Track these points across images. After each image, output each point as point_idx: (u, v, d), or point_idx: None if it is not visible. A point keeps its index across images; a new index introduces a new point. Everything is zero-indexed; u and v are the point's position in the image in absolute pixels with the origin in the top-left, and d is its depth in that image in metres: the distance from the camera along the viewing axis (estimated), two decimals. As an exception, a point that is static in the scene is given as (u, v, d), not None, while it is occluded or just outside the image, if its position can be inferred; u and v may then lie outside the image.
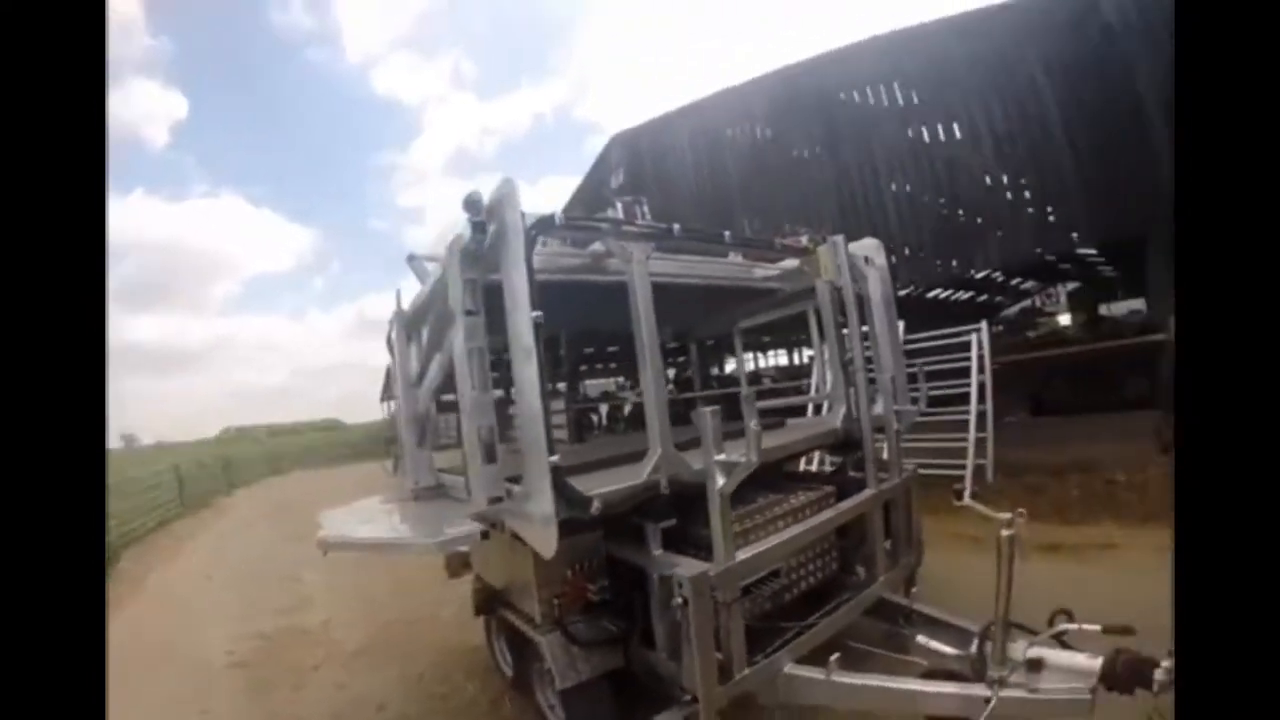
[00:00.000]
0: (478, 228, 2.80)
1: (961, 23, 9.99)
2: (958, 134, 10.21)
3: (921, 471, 4.93)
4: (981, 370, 8.12)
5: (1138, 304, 19.36)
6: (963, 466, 7.58)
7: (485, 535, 3.22)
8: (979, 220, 10.22)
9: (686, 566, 2.95)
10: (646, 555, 3.19)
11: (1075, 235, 9.71)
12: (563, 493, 2.75)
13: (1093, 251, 15.94)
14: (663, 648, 3.10)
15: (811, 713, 3.34)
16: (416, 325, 4.39)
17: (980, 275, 15.88)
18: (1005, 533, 2.70)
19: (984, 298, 25.62)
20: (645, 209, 3.75)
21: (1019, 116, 9.48)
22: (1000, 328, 33.02)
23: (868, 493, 3.94)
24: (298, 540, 10.57)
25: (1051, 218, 9.55)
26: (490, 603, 4.25)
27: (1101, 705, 2.59)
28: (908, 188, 10.88)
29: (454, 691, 4.64)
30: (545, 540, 2.70)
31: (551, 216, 2.99)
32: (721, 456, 2.86)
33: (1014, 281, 24.11)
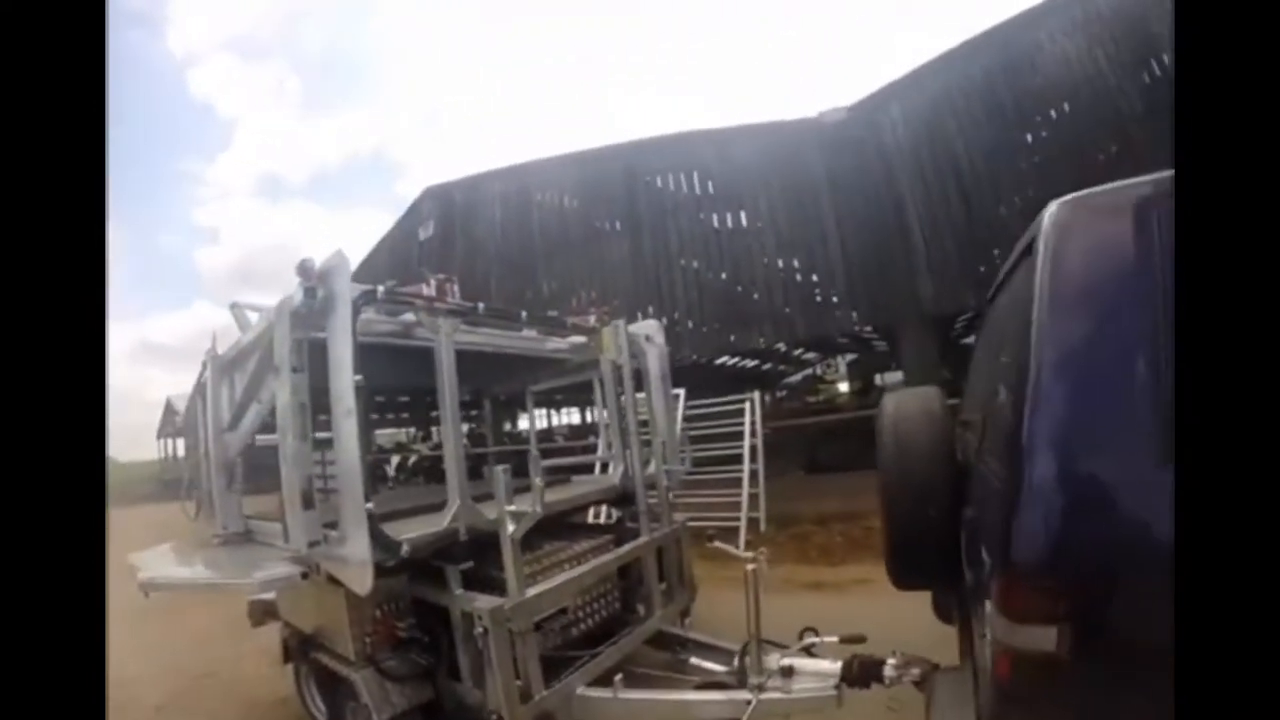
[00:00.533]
0: (309, 292, 3.09)
1: (755, 130, 11.31)
2: (746, 223, 11.40)
3: (702, 524, 5.61)
4: (754, 434, 9.08)
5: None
6: (738, 519, 8.41)
7: (305, 576, 3.40)
8: (769, 299, 11.30)
9: (484, 602, 3.31)
10: (449, 595, 3.52)
11: (855, 315, 10.84)
12: (376, 537, 3.06)
13: (869, 329, 17.94)
14: (467, 678, 3.46)
15: None
16: (232, 370, 4.44)
17: (765, 346, 17.40)
18: (750, 568, 3.33)
19: (768, 365, 27.59)
20: (456, 288, 4.13)
21: (801, 211, 10.79)
22: (784, 393, 35.60)
23: (642, 540, 4.45)
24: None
25: (835, 299, 10.73)
26: (300, 648, 4.34)
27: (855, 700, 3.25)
28: (696, 265, 11.89)
29: None
30: (361, 580, 3.00)
31: (375, 290, 3.33)
32: (512, 508, 3.28)
33: (796, 351, 26.23)
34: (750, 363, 24.48)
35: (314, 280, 3.08)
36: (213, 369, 4.55)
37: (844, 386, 29.63)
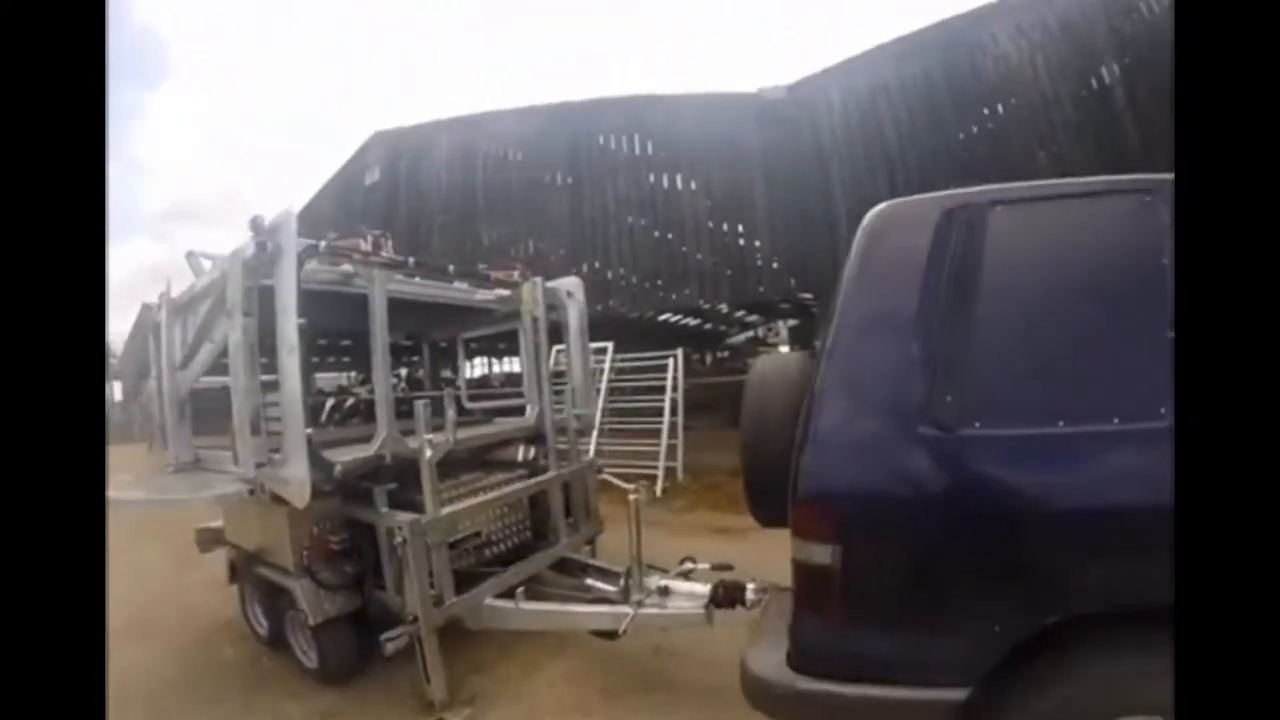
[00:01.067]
0: (260, 246, 3.53)
1: (697, 99, 11.72)
2: (684, 187, 11.86)
3: (624, 471, 6.20)
4: (675, 389, 9.71)
5: None
6: (657, 468, 9.04)
7: (251, 493, 3.89)
8: (708, 259, 11.78)
9: (404, 517, 3.87)
10: (375, 513, 4.07)
11: (793, 281, 11.35)
12: (314, 459, 3.59)
13: (809, 295, 18.53)
14: (391, 587, 4.04)
15: (513, 636, 4.43)
16: (185, 313, 4.80)
17: (708, 305, 17.86)
18: (632, 498, 3.95)
19: (709, 325, 28.15)
20: (390, 243, 4.53)
21: (735, 180, 11.27)
22: (727, 354, 36.28)
23: (548, 475, 5.03)
24: None
25: (775, 265, 11.23)
26: (245, 567, 4.92)
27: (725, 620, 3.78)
28: (637, 222, 12.31)
29: (215, 658, 5.10)
30: (300, 495, 3.52)
31: (317, 245, 3.81)
32: (430, 437, 3.85)
33: (739, 313, 26.81)
34: (691, 321, 24.97)
35: (264, 235, 3.53)
36: (166, 311, 4.89)
37: (785, 350, 30.43)
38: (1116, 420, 2.07)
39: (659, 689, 4.02)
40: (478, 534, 4.50)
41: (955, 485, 2.21)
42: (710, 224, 11.69)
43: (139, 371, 34.09)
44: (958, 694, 2.16)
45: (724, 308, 22.21)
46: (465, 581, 4.13)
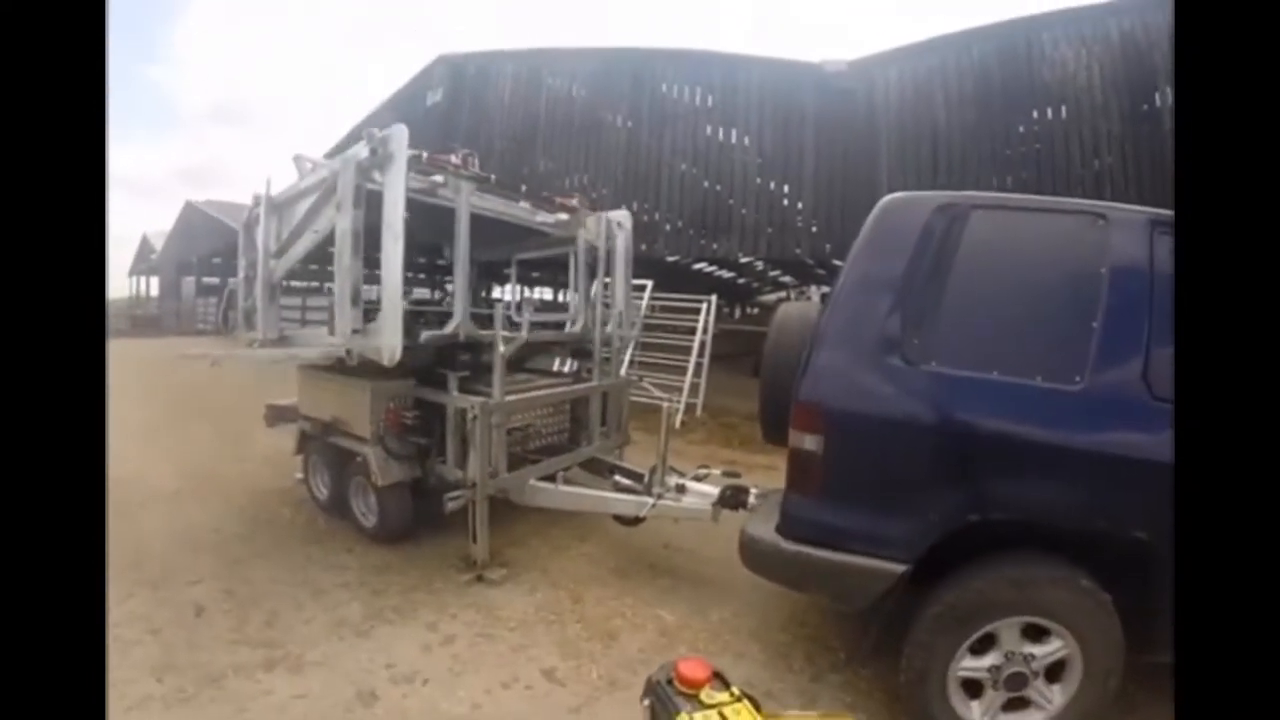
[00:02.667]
0: (373, 151, 4.25)
1: (760, 61, 12.21)
2: (745, 143, 12.32)
3: (650, 401, 6.95)
4: (705, 331, 10.50)
5: None
6: (679, 401, 9.84)
7: (348, 352, 4.51)
8: (753, 214, 12.29)
9: (475, 399, 4.63)
10: (446, 395, 4.89)
11: (828, 246, 11.77)
12: (405, 327, 4.33)
13: (842, 262, 18.92)
14: (452, 460, 4.86)
15: (545, 521, 5.32)
16: (283, 209, 5.43)
17: (745, 259, 18.35)
18: (665, 406, 4.76)
19: (744, 280, 28.68)
20: (476, 161, 5.13)
21: (786, 142, 11.76)
22: (756, 310, 36.88)
23: (591, 383, 5.84)
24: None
25: (814, 228, 11.74)
26: (319, 436, 5.68)
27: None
28: (694, 171, 12.79)
29: (275, 517, 5.86)
30: (390, 356, 4.25)
31: (420, 154, 4.53)
32: (505, 332, 4.64)
33: (773, 272, 27.28)
34: (726, 273, 25.53)
35: (376, 143, 4.25)
36: (265, 208, 5.47)
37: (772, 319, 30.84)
38: (1039, 379, 2.88)
39: (665, 575, 4.82)
40: (527, 426, 5.30)
41: (912, 405, 3.01)
42: (759, 180, 12.17)
43: (178, 268, 35.26)
44: (899, 567, 2.96)
45: (760, 264, 22.80)
46: (515, 463, 4.94)
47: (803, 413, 3.10)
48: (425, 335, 4.61)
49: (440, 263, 7.52)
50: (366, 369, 4.67)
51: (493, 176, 5.27)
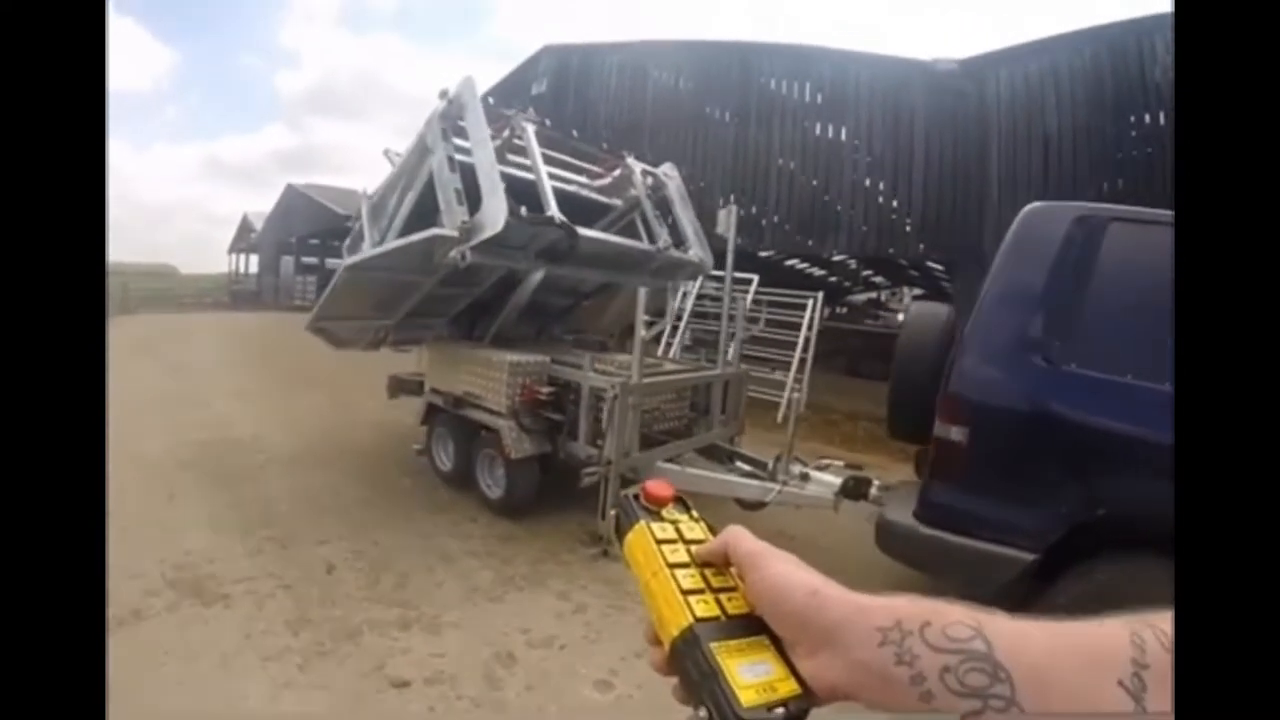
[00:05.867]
0: (450, 102, 5.02)
1: (869, 58, 12.36)
2: (844, 139, 12.53)
3: (756, 396, 7.29)
4: (810, 328, 10.74)
5: None
6: (781, 396, 10.08)
7: (462, 257, 4.81)
8: (850, 212, 12.50)
9: (615, 379, 5.01)
10: (582, 373, 5.29)
11: (922, 246, 12.03)
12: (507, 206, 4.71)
13: (938, 266, 18.85)
14: (583, 438, 5.23)
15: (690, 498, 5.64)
16: (388, 194, 5.99)
17: (836, 258, 18.41)
18: (795, 396, 5.07)
19: (835, 278, 28.56)
20: (548, 122, 5.70)
21: (895, 141, 11.89)
22: (845, 310, 36.78)
23: (715, 371, 6.22)
24: (181, 372, 12.00)
25: (908, 228, 11.97)
26: (437, 413, 6.25)
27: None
28: (792, 165, 13.02)
29: (395, 485, 6.28)
30: (495, 223, 4.61)
31: (488, 98, 5.25)
32: (645, 317, 5.03)
33: (866, 273, 27.13)
34: (819, 272, 25.53)
35: (453, 95, 5.01)
36: (365, 209, 6.14)
37: (903, 318, 30.53)
38: (1167, 385, 3.10)
39: None
40: (654, 409, 5.64)
41: (1051, 403, 3.30)
42: (859, 178, 12.39)
43: (278, 247, 37.21)
44: (1029, 556, 3.24)
45: (853, 263, 22.77)
46: (643, 443, 5.26)
47: (951, 405, 3.40)
48: (525, 211, 4.90)
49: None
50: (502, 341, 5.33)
51: (547, 120, 5.75)
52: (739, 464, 5.65)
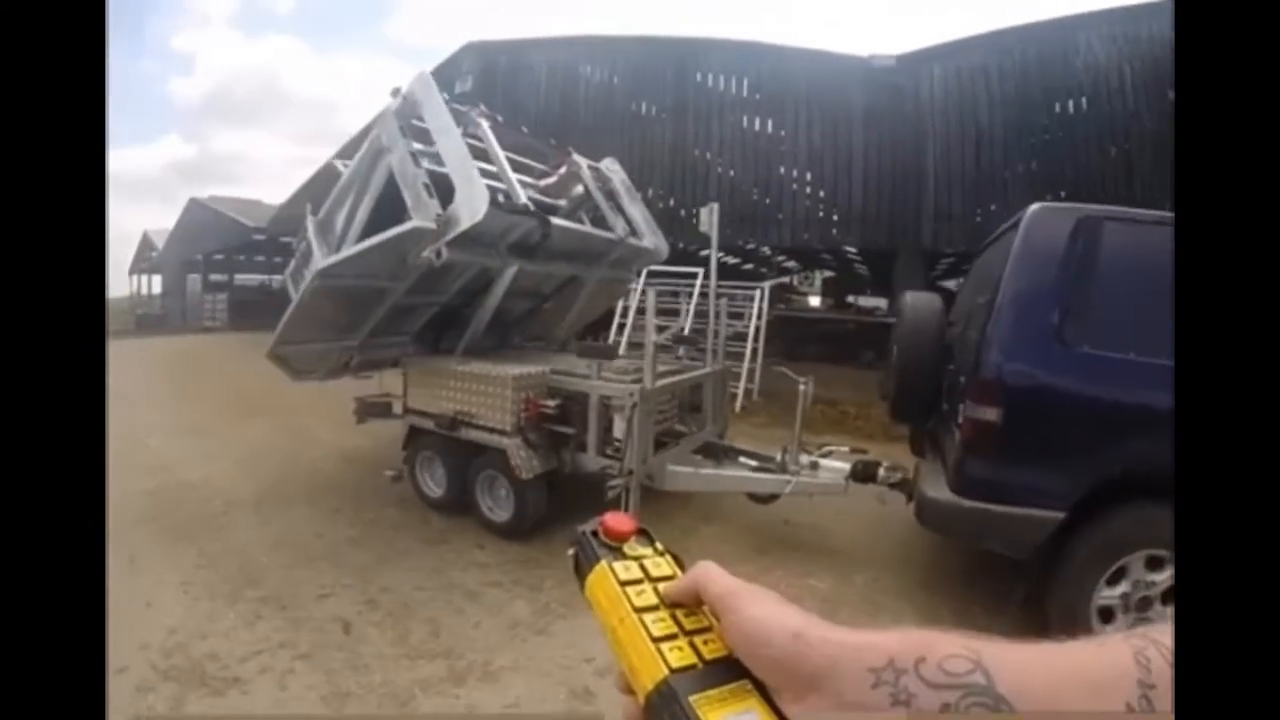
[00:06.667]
0: (405, 99, 5.22)
1: (804, 55, 12.76)
2: (773, 132, 13.09)
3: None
4: (760, 318, 11.18)
5: (880, 302, 24.90)
6: (736, 387, 10.42)
7: (438, 255, 4.88)
8: (776, 204, 13.13)
9: (630, 385, 5.06)
10: (590, 382, 5.27)
11: (835, 231, 12.95)
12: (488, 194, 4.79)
13: (853, 251, 19.70)
14: (592, 449, 5.22)
15: (669, 506, 5.65)
16: (334, 210, 5.99)
17: (750, 246, 18.97)
18: (801, 388, 5.29)
19: (749, 265, 29.11)
20: (500, 118, 5.75)
21: (834, 140, 12.53)
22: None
23: (709, 369, 6.36)
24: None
25: (835, 217, 12.72)
26: (420, 437, 5.99)
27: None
28: (731, 163, 13.62)
29: (380, 518, 5.84)
30: (473, 213, 4.67)
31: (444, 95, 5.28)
32: (656, 321, 5.15)
33: (778, 258, 27.81)
34: (732, 260, 25.96)
35: (407, 90, 5.19)
36: (313, 226, 6.07)
37: (814, 301, 31.47)
38: (1165, 358, 3.43)
39: (798, 549, 5.34)
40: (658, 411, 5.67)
41: (1070, 380, 3.77)
42: (809, 175, 12.96)
43: (183, 266, 35.31)
44: (1059, 514, 3.66)
45: (766, 250, 23.37)
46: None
47: (985, 389, 3.78)
48: (500, 198, 5.03)
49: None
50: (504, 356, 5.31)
51: (499, 117, 5.88)
52: (742, 459, 5.82)
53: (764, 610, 0.53)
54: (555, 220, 5.42)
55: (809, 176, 12.76)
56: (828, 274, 32.02)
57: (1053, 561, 3.77)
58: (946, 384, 4.66)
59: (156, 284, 39.02)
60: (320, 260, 5.75)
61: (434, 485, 6.05)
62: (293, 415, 9.79)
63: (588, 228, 6.47)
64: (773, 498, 5.33)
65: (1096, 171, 10.59)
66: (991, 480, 3.80)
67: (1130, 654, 0.46)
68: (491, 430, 5.38)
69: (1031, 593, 3.91)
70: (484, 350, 6.59)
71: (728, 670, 0.51)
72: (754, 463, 5.69)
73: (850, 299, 28.32)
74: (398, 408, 6.46)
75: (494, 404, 5.36)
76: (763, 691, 0.50)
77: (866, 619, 2.40)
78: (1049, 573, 3.80)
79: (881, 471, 4.96)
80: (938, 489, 3.99)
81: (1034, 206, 4.05)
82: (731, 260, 24.21)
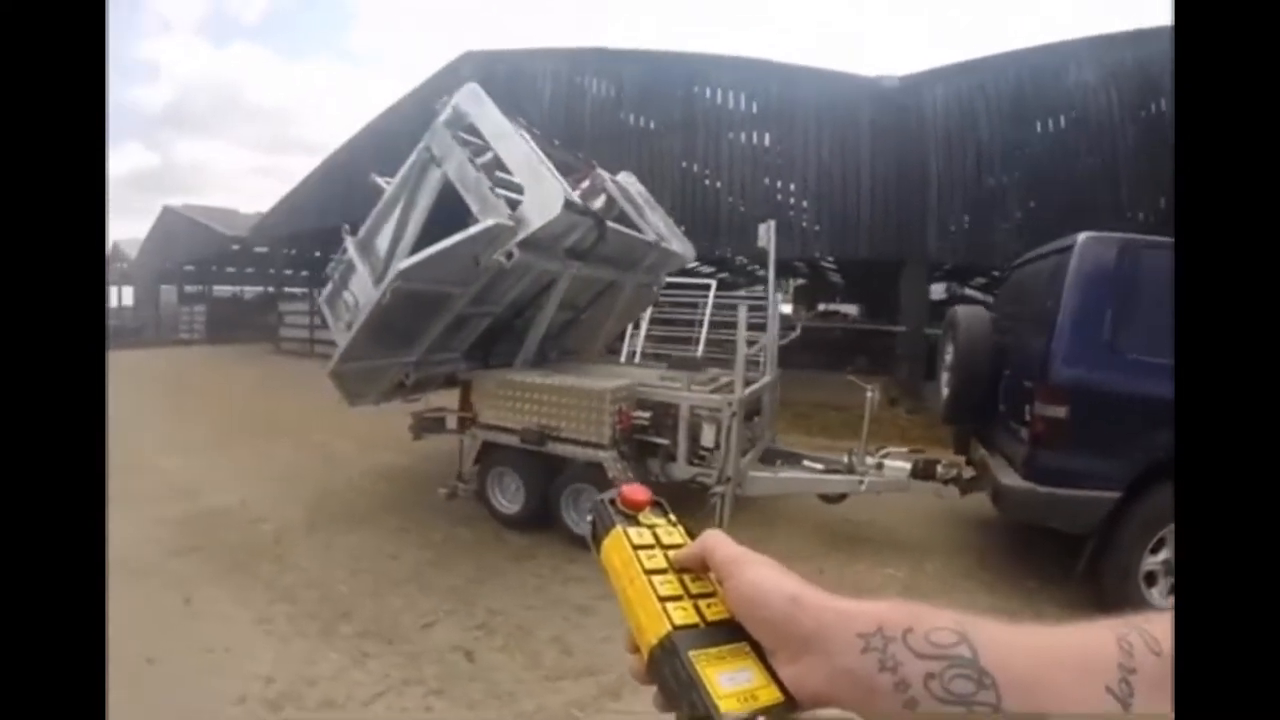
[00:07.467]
0: (454, 109, 5.54)
1: (815, 73, 13.63)
2: (773, 145, 13.84)
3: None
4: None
5: (852, 309, 26.17)
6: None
7: (507, 257, 5.14)
8: (782, 215, 13.31)
9: (726, 396, 5.49)
10: (680, 394, 5.71)
11: (826, 243, 13.67)
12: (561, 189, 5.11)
13: (830, 261, 20.36)
14: (682, 458, 5.59)
15: (744, 501, 5.81)
16: (381, 221, 6.08)
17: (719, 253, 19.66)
18: (869, 394, 5.91)
19: (725, 274, 29.60)
20: (537, 130, 6.12)
21: (842, 156, 13.25)
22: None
23: (769, 378, 6.79)
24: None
25: (803, 225, 13.45)
26: (495, 451, 6.04)
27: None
28: (694, 169, 14.26)
29: (450, 537, 5.72)
30: (551, 208, 4.97)
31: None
32: (748, 333, 5.55)
33: (751, 267, 28.36)
34: (707, 268, 26.42)
35: (457, 101, 5.58)
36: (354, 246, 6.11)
37: (787, 309, 32.20)
38: None
39: (865, 543, 5.89)
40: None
41: (1123, 382, 4.50)
42: (771, 181, 13.82)
43: (157, 277, 34.33)
44: (1116, 494, 4.44)
45: (743, 259, 24.03)
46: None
47: (1054, 391, 4.57)
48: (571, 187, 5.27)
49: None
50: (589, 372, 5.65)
51: (556, 141, 6.35)
52: (805, 463, 6.28)
53: (763, 575, 0.55)
54: (608, 223, 5.80)
55: (807, 188, 13.64)
56: (800, 282, 32.85)
57: (1106, 536, 4.50)
58: (1003, 388, 5.40)
59: (128, 295, 37.69)
60: (334, 299, 6.09)
61: (507, 501, 6.06)
62: (310, 433, 9.64)
63: (632, 232, 6.66)
64: (842, 497, 5.90)
65: (1085, 181, 11.59)
66: (1060, 468, 4.55)
67: (1113, 639, 0.48)
68: (584, 444, 5.51)
69: (1089, 565, 4.60)
70: (536, 365, 6.72)
71: (728, 632, 0.54)
72: (819, 465, 6.15)
73: (821, 306, 29.04)
74: (451, 423, 6.60)
75: (587, 417, 5.48)
76: (760, 655, 0.53)
77: (946, 600, 2.78)
78: (1102, 545, 4.53)
79: (940, 469, 5.61)
80: (1011, 478, 4.75)
81: (1082, 236, 4.79)
82: (706, 269, 24.71)
